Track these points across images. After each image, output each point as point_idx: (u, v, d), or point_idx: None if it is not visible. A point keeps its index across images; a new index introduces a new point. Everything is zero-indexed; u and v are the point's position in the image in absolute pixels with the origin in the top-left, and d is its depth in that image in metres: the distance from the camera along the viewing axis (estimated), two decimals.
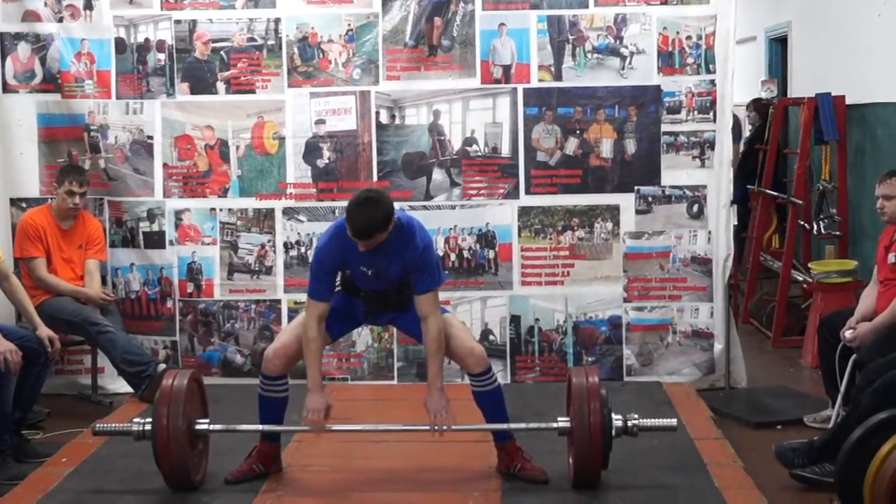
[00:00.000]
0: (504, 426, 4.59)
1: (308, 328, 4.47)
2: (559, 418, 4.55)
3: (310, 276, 4.54)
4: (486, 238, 6.34)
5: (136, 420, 4.56)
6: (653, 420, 4.56)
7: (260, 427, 4.65)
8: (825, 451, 4.59)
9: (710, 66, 6.22)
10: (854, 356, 5.04)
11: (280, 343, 4.63)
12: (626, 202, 6.28)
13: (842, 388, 5.09)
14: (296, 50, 6.32)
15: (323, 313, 4.47)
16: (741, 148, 9.31)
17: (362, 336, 6.29)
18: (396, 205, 4.43)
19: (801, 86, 8.90)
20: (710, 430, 5.28)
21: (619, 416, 4.42)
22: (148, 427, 4.43)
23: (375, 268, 4.42)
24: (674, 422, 4.63)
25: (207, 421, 4.64)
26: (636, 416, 4.48)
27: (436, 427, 4.45)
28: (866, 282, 5.74)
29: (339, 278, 4.57)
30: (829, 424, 5.09)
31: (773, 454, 4.80)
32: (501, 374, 6.19)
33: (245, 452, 4.72)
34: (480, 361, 4.51)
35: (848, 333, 5.12)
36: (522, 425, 4.71)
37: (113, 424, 4.80)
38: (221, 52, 6.35)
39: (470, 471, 4.79)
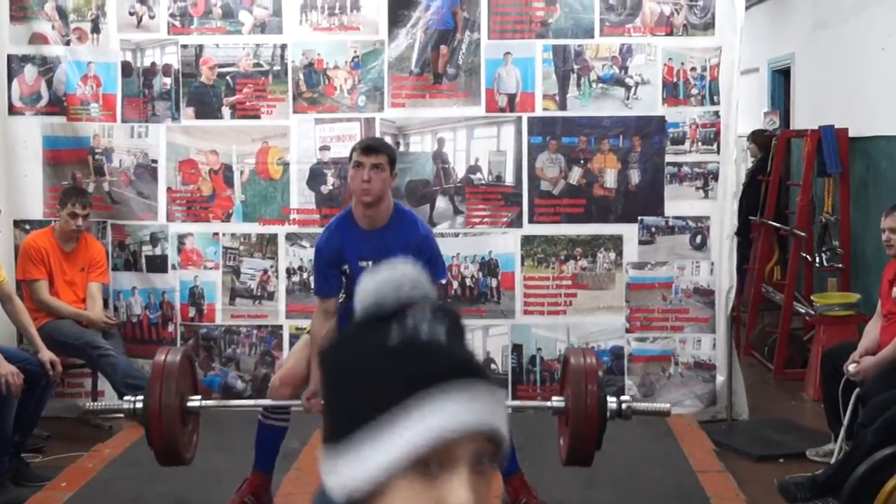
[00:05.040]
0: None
1: (315, 325, 4.47)
2: (553, 398, 4.52)
3: (314, 275, 4.54)
4: (488, 266, 6.34)
5: (126, 398, 4.51)
6: (646, 404, 4.57)
7: (256, 402, 4.60)
8: (828, 486, 4.58)
9: (715, 98, 6.24)
10: (857, 390, 5.03)
11: (286, 369, 4.61)
12: (629, 232, 6.29)
13: (845, 423, 5.07)
14: (301, 76, 6.34)
15: (329, 309, 4.43)
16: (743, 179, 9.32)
17: None
18: None
19: (804, 118, 8.92)
20: (713, 462, 5.27)
21: (614, 399, 4.38)
22: (139, 405, 4.39)
23: (375, 258, 4.29)
24: (667, 406, 4.60)
25: (199, 398, 4.60)
26: (629, 397, 4.46)
27: None
28: (868, 315, 5.73)
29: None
30: (832, 459, 5.07)
31: (775, 488, 4.79)
32: None
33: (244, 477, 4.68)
34: None
35: (851, 367, 5.11)
36: (517, 403, 4.67)
37: (104, 403, 4.78)
38: (227, 77, 6.37)
39: None
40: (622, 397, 4.41)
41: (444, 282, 4.44)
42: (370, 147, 4.30)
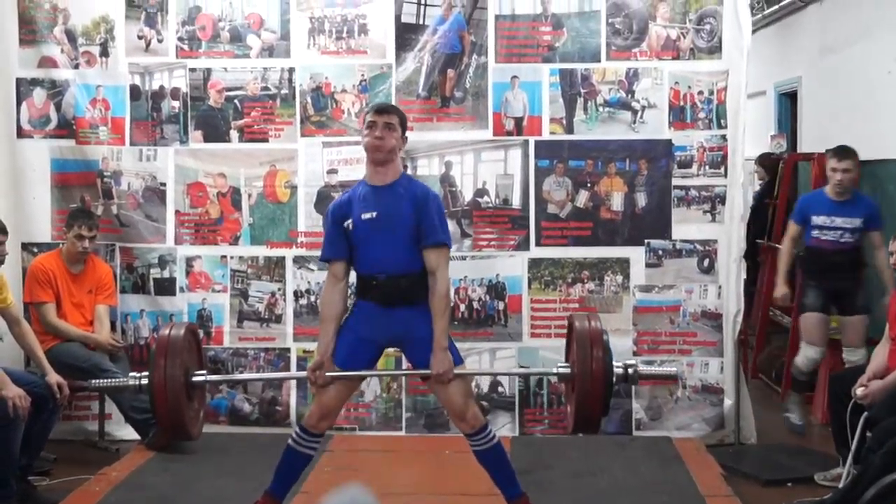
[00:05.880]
0: (507, 371, 4.98)
1: (324, 291, 4.51)
2: (559, 364, 4.49)
3: (323, 241, 4.60)
4: (495, 289, 6.34)
5: (132, 374, 4.51)
6: (653, 368, 4.56)
7: (260, 375, 4.57)
8: None
9: (722, 121, 6.25)
10: (865, 414, 5.00)
11: (322, 402, 4.47)
12: (636, 255, 6.29)
13: (853, 447, 5.05)
14: (309, 99, 6.36)
15: (338, 274, 4.46)
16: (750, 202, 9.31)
17: (371, 386, 6.27)
18: None
19: (811, 141, 8.92)
20: (721, 486, 5.24)
21: (620, 363, 4.36)
22: (145, 381, 4.37)
23: (380, 210, 4.35)
24: (674, 370, 4.61)
25: (204, 373, 4.58)
26: (635, 361, 4.47)
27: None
28: (876, 339, 5.71)
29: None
30: (841, 483, 5.05)
31: None
32: (510, 427, 6.17)
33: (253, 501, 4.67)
34: (471, 423, 4.41)
35: (859, 391, 5.08)
36: (522, 370, 4.62)
37: (110, 380, 4.80)
38: (235, 101, 6.40)
39: None
40: (628, 361, 4.40)
41: (448, 246, 4.42)
42: (382, 108, 4.50)
